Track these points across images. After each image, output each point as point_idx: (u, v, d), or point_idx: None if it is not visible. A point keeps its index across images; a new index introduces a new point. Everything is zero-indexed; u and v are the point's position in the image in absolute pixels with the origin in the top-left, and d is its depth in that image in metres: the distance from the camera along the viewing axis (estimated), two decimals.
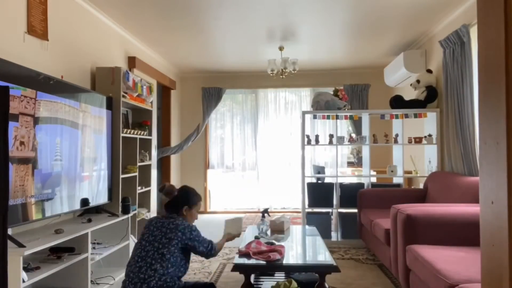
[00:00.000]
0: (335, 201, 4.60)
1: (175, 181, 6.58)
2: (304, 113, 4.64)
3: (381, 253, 3.33)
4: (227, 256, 3.99)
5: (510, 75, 0.79)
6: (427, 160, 4.64)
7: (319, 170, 4.99)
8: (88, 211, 3.46)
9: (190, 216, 2.40)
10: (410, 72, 4.80)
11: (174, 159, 6.51)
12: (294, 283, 2.47)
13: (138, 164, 4.36)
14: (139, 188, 4.45)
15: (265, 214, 3.42)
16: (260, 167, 6.91)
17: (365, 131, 4.88)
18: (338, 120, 4.69)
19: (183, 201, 2.38)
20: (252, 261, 2.43)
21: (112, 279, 3.21)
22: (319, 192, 4.63)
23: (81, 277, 2.85)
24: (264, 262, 2.40)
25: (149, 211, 4.77)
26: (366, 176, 4.78)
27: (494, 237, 0.84)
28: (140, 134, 4.37)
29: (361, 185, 4.75)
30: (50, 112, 2.77)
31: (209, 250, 2.33)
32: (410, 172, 5.02)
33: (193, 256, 3.40)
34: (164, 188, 2.43)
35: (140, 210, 4.53)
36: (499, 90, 0.82)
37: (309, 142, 4.64)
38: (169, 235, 2.21)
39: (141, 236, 2.28)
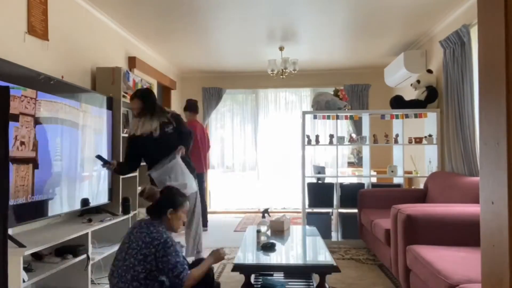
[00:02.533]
0: (335, 201, 4.60)
1: None
2: (304, 113, 4.63)
3: (381, 253, 3.32)
4: (227, 256, 3.99)
5: (511, 75, 0.79)
6: (427, 160, 4.63)
7: (319, 170, 4.99)
8: (88, 211, 3.46)
9: (176, 219, 2.20)
10: (410, 72, 4.80)
11: None
12: None
13: None
14: (140, 188, 4.45)
15: (265, 214, 3.41)
16: (260, 167, 6.91)
17: (366, 131, 4.87)
18: (338, 120, 4.69)
19: (167, 204, 2.18)
20: (252, 261, 2.42)
21: None
22: (319, 192, 4.63)
23: (81, 277, 2.85)
24: (265, 262, 2.40)
25: None
26: (367, 176, 4.78)
27: (494, 237, 0.84)
28: None
29: (361, 185, 4.75)
30: (51, 112, 2.78)
31: (176, 278, 2.01)
32: (410, 172, 5.02)
33: None
34: (144, 191, 2.22)
35: (140, 210, 4.53)
36: (499, 90, 0.82)
37: (309, 142, 4.64)
38: (144, 250, 2.01)
39: (122, 245, 2.12)
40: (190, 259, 2.48)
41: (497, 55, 0.83)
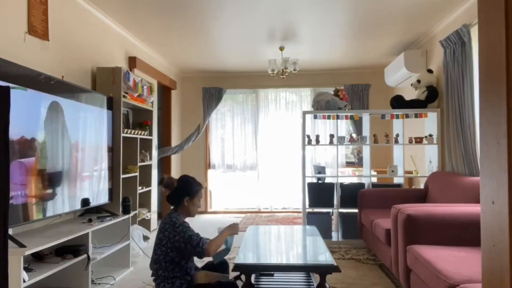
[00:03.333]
0: (335, 201, 4.60)
1: None
2: (304, 113, 4.63)
3: (382, 253, 3.32)
4: (227, 256, 3.98)
5: (511, 75, 0.79)
6: (427, 160, 4.63)
7: (320, 170, 4.99)
8: (88, 211, 3.46)
9: (192, 205, 2.39)
10: (410, 72, 4.80)
11: (174, 159, 6.51)
12: None
13: (139, 164, 4.37)
14: (140, 188, 4.45)
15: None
16: (261, 167, 6.91)
17: (366, 131, 4.87)
18: (338, 120, 4.69)
19: (183, 193, 2.37)
20: (253, 261, 2.43)
21: (113, 279, 3.21)
22: (319, 192, 4.63)
23: (82, 277, 2.85)
24: (265, 262, 2.40)
25: (149, 211, 4.78)
26: (367, 176, 4.78)
27: (494, 237, 0.84)
28: (140, 134, 4.38)
29: (361, 185, 4.75)
30: (51, 112, 2.78)
31: (197, 247, 2.21)
32: (410, 172, 5.02)
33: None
34: (163, 180, 2.41)
35: (140, 210, 4.53)
36: (499, 90, 0.82)
37: (309, 142, 4.64)
38: (159, 235, 2.26)
39: None
40: None
41: (498, 55, 0.83)
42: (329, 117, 4.64)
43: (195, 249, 2.21)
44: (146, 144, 4.74)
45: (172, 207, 2.41)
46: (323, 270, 2.38)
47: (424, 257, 2.27)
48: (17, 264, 2.15)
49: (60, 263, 2.59)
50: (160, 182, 2.42)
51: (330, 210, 4.73)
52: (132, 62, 4.75)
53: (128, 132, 4.07)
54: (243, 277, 2.43)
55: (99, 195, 3.48)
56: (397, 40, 4.99)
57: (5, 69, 2.33)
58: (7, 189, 1.70)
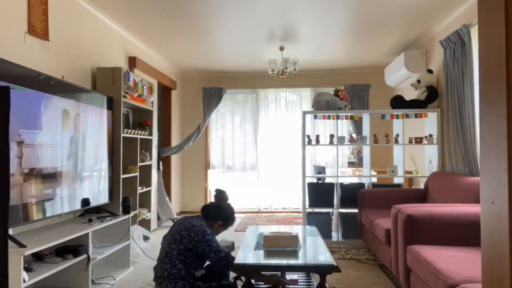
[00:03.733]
0: (335, 201, 4.60)
1: (176, 181, 6.58)
2: (304, 113, 4.63)
3: (382, 253, 3.32)
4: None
5: (511, 75, 0.79)
6: (427, 160, 4.63)
7: (320, 170, 4.99)
8: (88, 211, 3.46)
9: (218, 229, 2.57)
10: (410, 72, 4.80)
11: (174, 159, 6.51)
12: None
13: (139, 164, 4.37)
14: (140, 188, 4.45)
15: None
16: (261, 167, 6.90)
17: (366, 131, 4.87)
18: (338, 120, 4.69)
19: (222, 217, 2.55)
20: (252, 261, 2.42)
21: (113, 279, 3.21)
22: (319, 192, 4.63)
23: (82, 277, 2.85)
24: (265, 262, 2.40)
25: (149, 211, 4.78)
26: (367, 176, 4.78)
27: (494, 237, 0.84)
28: (140, 134, 4.38)
29: (361, 185, 4.75)
30: (51, 112, 2.78)
31: (220, 258, 2.35)
32: (410, 172, 5.02)
33: None
34: (220, 190, 2.64)
35: (140, 210, 4.53)
36: (499, 90, 0.82)
37: (309, 142, 4.64)
38: (182, 232, 2.31)
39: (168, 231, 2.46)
40: None
41: (498, 55, 0.83)
42: (329, 117, 4.64)
43: (220, 261, 2.33)
44: (146, 144, 4.74)
45: (201, 215, 2.54)
46: (323, 270, 2.38)
47: (424, 257, 2.27)
48: (17, 264, 2.15)
49: (60, 263, 2.59)
50: (217, 189, 2.66)
51: (330, 210, 4.73)
52: (132, 62, 4.75)
53: (128, 132, 4.07)
54: (243, 277, 2.43)
55: (99, 195, 3.48)
56: (397, 40, 4.99)
57: (5, 69, 2.33)
58: (7, 189, 1.70)
